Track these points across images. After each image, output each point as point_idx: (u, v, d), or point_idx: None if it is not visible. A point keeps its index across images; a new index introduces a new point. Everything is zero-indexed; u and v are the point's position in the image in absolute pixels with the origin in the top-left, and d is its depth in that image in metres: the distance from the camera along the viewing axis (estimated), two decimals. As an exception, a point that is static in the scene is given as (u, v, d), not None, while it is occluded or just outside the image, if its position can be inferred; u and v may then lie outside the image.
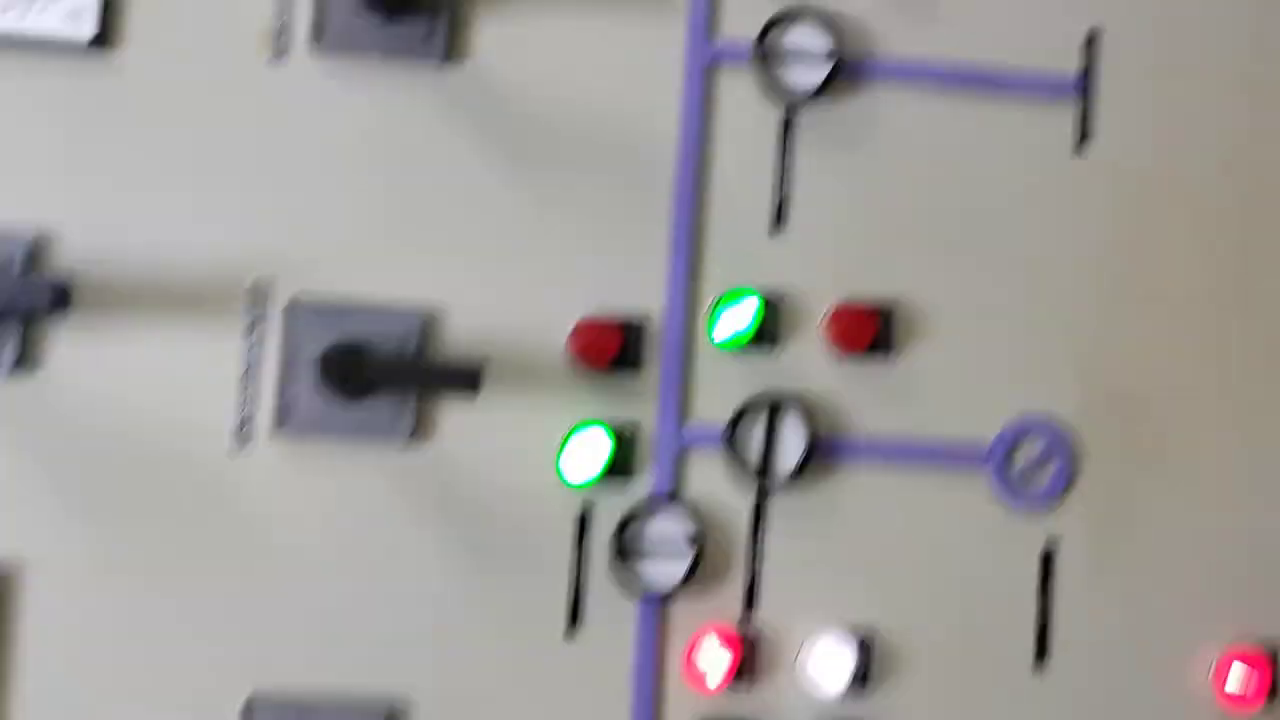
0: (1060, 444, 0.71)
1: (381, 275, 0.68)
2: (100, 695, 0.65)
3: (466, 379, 0.62)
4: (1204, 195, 0.74)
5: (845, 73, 0.71)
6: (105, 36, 0.67)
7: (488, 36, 0.70)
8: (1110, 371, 0.73)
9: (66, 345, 0.65)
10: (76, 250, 0.66)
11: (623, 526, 0.67)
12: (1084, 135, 0.73)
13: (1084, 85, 0.73)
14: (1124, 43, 0.74)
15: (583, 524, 0.67)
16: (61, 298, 0.61)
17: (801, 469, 0.68)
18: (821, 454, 0.69)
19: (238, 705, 0.65)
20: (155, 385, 0.66)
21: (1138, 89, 0.74)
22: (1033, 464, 0.71)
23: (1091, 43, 0.74)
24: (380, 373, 0.64)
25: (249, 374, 0.66)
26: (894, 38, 0.73)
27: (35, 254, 0.65)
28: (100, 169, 0.67)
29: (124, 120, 0.67)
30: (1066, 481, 0.71)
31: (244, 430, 0.65)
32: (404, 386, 0.66)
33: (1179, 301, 0.74)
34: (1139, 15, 0.74)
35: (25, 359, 0.64)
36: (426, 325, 0.67)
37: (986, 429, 0.71)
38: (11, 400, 0.65)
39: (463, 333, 0.68)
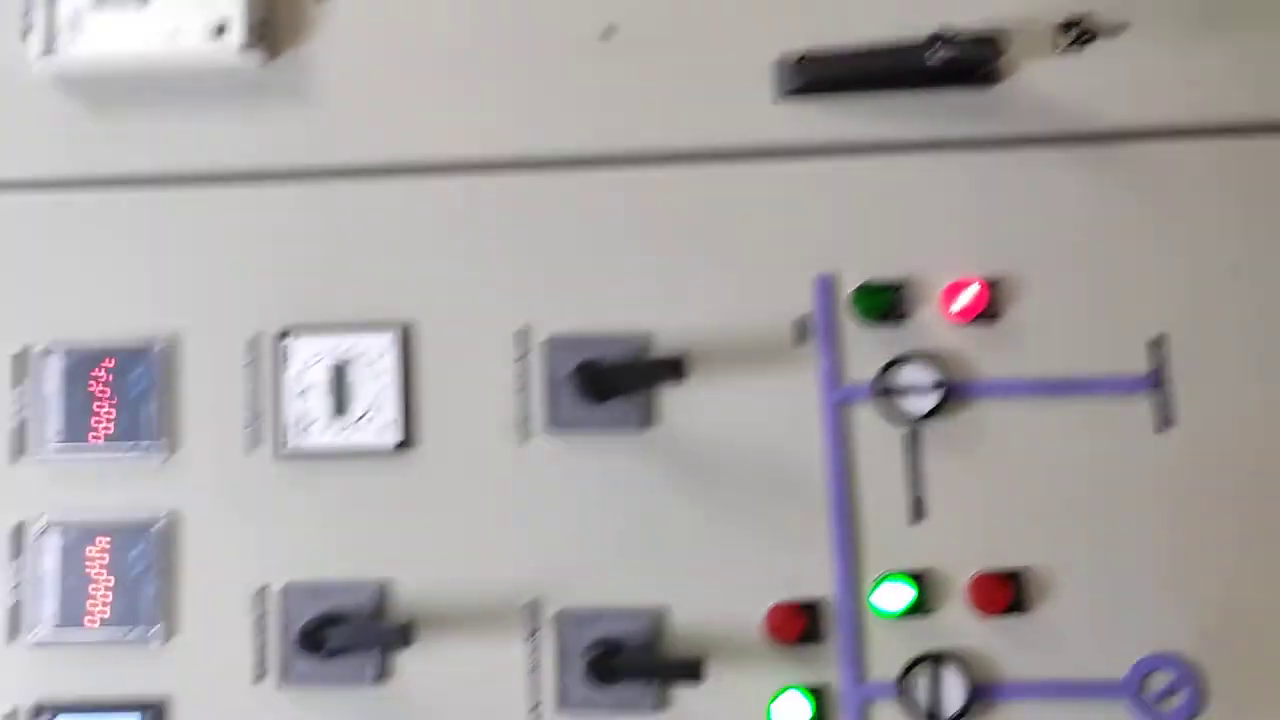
0: (1187, 677, 0.89)
1: (620, 587, 0.92)
2: None
3: (692, 670, 0.86)
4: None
5: (952, 395, 0.92)
6: (407, 441, 0.95)
7: (672, 407, 0.94)
8: (1229, 607, 0.90)
9: (408, 659, 0.92)
10: (408, 591, 0.93)
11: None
12: (1165, 421, 0.91)
13: (1157, 380, 0.91)
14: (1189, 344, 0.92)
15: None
16: (410, 634, 0.87)
17: (964, 712, 0.89)
18: (980, 698, 0.89)
19: None
20: (469, 682, 0.92)
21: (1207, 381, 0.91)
22: (1164, 694, 0.89)
23: (1159, 345, 0.91)
24: (630, 667, 0.89)
25: (535, 667, 0.91)
26: (987, 363, 0.93)
27: (383, 597, 0.93)
28: (412, 534, 0.94)
29: (425, 495, 0.95)
30: (1196, 709, 0.89)
31: (536, 712, 0.91)
32: (646, 677, 0.90)
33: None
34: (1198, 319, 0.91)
35: (383, 674, 0.92)
36: (656, 623, 0.91)
37: (1118, 667, 0.90)
38: (378, 705, 0.92)
39: (685, 625, 0.92)
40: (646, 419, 0.93)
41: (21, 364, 0.97)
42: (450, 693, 0.91)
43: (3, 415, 0.96)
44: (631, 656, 0.90)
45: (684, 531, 0.92)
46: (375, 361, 0.95)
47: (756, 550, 0.91)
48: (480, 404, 0.94)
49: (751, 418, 0.93)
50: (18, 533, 0.95)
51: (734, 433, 0.93)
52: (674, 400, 0.93)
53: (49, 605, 0.94)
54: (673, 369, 0.88)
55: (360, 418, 0.95)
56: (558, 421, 0.94)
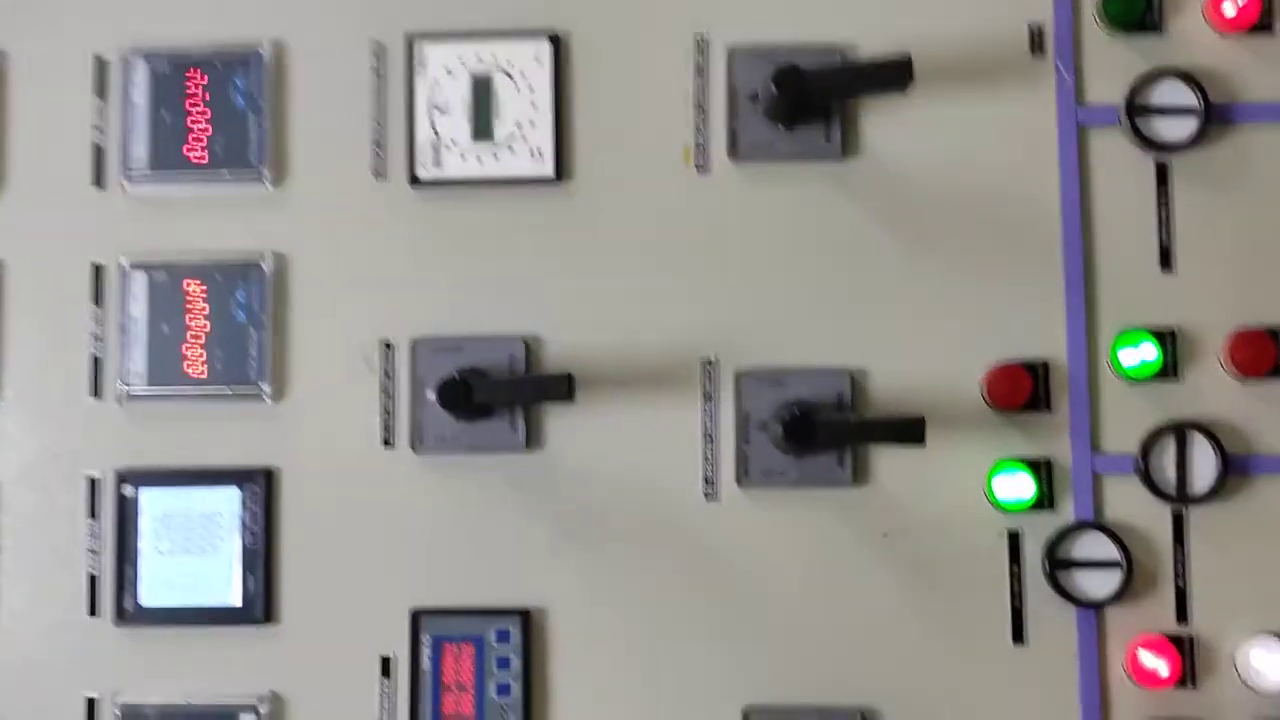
0: None
1: (810, 344, 0.80)
2: (615, 711, 0.79)
3: (912, 430, 0.73)
4: None
5: (1214, 120, 0.79)
6: (561, 171, 0.81)
7: (877, 131, 0.81)
8: None
9: (562, 424, 0.80)
10: (559, 347, 0.80)
11: (1053, 546, 0.77)
12: None
13: None
14: None
15: (1015, 543, 0.78)
16: (571, 386, 0.74)
17: (1216, 489, 0.77)
18: (1234, 471, 0.78)
19: (733, 716, 0.78)
20: (636, 451, 0.80)
21: None
22: None
23: None
24: (836, 428, 0.76)
25: (710, 436, 0.79)
26: (1257, 83, 0.80)
27: (529, 354, 0.80)
28: (565, 281, 0.81)
29: (582, 235, 0.81)
30: None
31: (711, 484, 0.78)
32: (854, 440, 0.78)
33: None
34: None
35: (532, 438, 0.80)
36: (855, 384, 0.79)
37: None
38: (525, 471, 0.80)
39: (886, 389, 0.79)
40: (848, 144, 0.80)
41: (101, 74, 0.83)
42: (611, 463, 0.80)
43: (79, 135, 0.83)
44: (837, 417, 0.77)
45: (888, 279, 0.80)
46: (525, 76, 0.81)
47: (974, 302, 0.80)
48: (649, 127, 0.81)
49: (974, 144, 0.80)
50: (98, 275, 0.82)
51: (952, 161, 0.80)
52: (879, 123, 0.80)
53: (136, 359, 0.82)
54: (897, 74, 0.74)
55: (506, 142, 0.81)
56: (741, 148, 0.81)
